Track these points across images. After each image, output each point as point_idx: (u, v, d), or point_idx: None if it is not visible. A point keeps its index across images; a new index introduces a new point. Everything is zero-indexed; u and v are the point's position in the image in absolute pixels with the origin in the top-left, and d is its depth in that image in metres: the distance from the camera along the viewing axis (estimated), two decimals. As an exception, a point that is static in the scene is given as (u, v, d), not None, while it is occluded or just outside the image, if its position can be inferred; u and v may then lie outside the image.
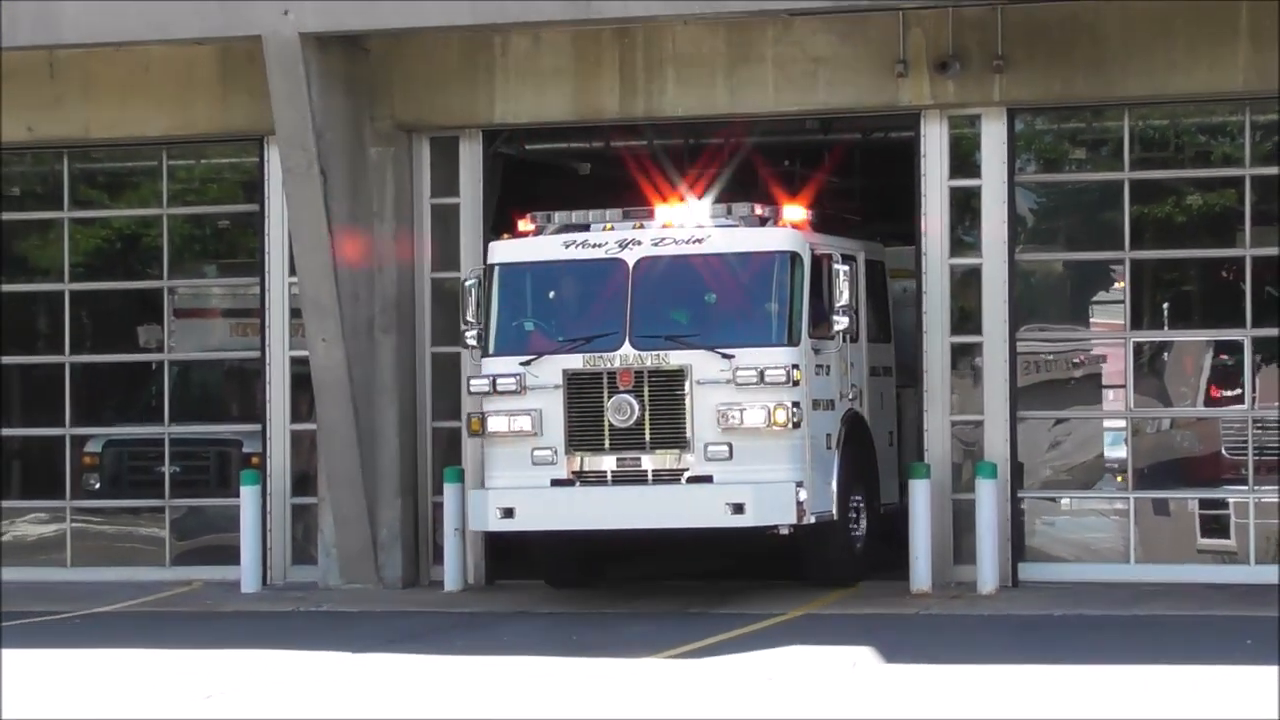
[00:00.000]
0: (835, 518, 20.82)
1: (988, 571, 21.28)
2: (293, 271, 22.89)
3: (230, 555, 23.23)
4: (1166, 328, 22.31)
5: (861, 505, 21.52)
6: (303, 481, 23.47)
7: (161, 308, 24.28)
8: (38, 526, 24.53)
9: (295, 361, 23.29)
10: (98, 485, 24.37)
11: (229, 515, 23.38)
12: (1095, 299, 22.76)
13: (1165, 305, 22.35)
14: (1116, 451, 22.27)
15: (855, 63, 21.96)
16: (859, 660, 17.78)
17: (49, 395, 24.29)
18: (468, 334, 21.01)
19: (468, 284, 21.07)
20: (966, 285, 22.07)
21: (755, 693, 16.56)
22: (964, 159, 22.00)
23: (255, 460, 23.57)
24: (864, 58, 21.93)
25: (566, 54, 22.51)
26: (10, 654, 19.12)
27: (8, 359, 24.60)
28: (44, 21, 21.81)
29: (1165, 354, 22.47)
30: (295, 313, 23.09)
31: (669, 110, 22.51)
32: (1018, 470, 21.96)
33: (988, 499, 21.26)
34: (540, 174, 24.36)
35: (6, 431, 24.73)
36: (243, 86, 22.72)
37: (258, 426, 23.61)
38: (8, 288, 24.64)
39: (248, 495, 22.99)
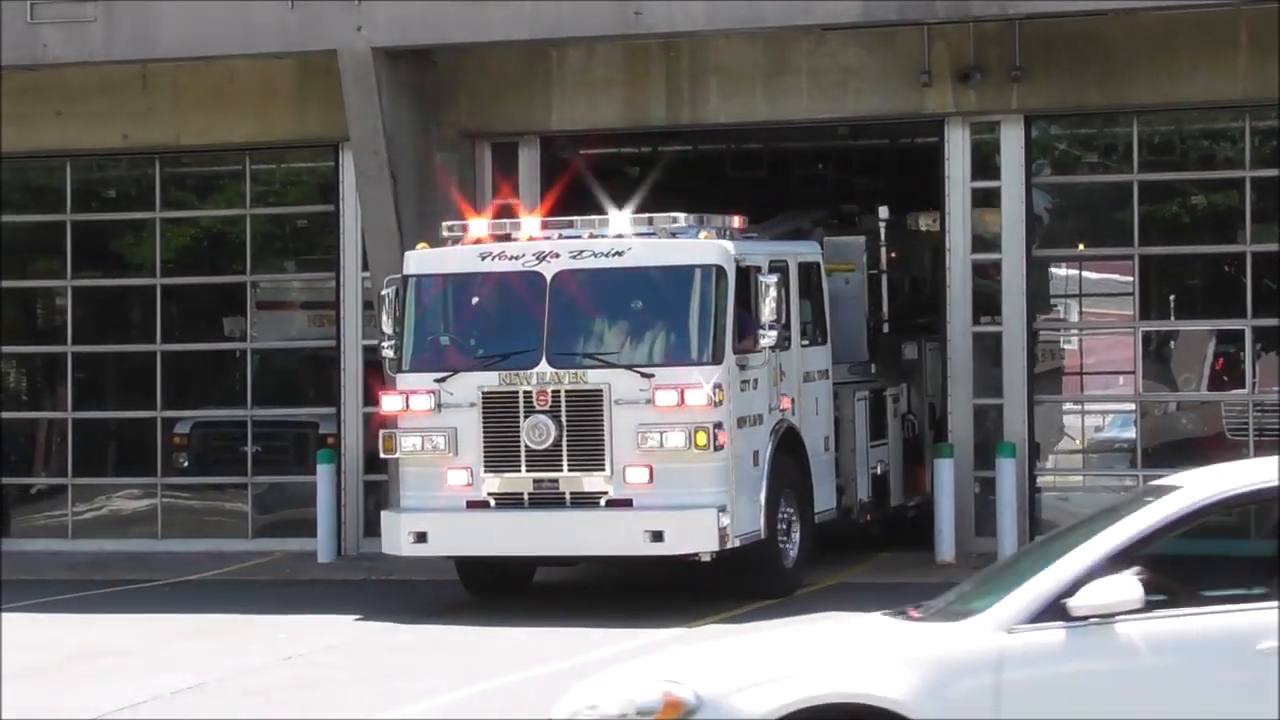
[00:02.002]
0: (763, 537, 18.74)
1: (1007, 543, 21.27)
2: (365, 267, 22.91)
3: (307, 528, 23.26)
4: (1173, 318, 22.29)
5: (794, 518, 19.39)
6: (374, 460, 23.47)
7: (244, 300, 24.29)
8: (131, 501, 24.64)
9: (367, 350, 23.29)
10: (186, 463, 24.43)
11: (306, 491, 23.45)
12: (1104, 291, 22.79)
13: (1171, 297, 22.33)
14: (1125, 433, 22.29)
15: (883, 73, 21.96)
16: (887, 625, 17.79)
17: (142, 381, 24.41)
18: (384, 347, 19.10)
19: (383, 294, 19.10)
20: (986, 279, 22.06)
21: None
22: (984, 162, 21.99)
23: (330, 441, 23.61)
24: (891, 69, 21.93)
25: (618, 65, 22.52)
26: (108, 617, 19.30)
27: (105, 348, 24.76)
28: (140, 37, 21.89)
29: (1171, 342, 22.46)
30: (367, 305, 23.12)
31: (712, 118, 22.48)
32: (1034, 449, 21.94)
33: (1007, 476, 21.25)
34: (594, 177, 24.29)
35: (103, 414, 24.89)
36: (319, 97, 22.74)
37: (333, 410, 23.66)
38: (106, 282, 24.81)
39: (323, 473, 23.07)
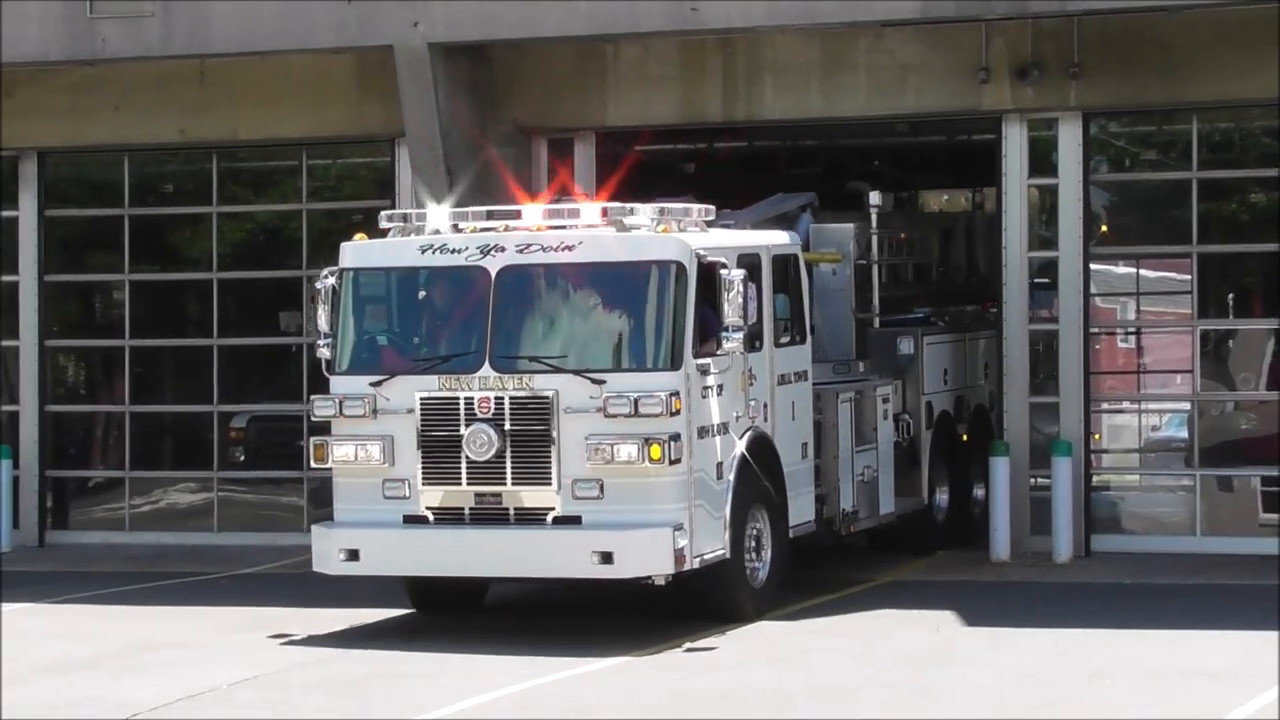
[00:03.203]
0: (728, 556, 17.31)
1: (1062, 542, 21.22)
2: (421, 262, 22.98)
3: (363, 522, 23.32)
4: (1231, 316, 22.18)
5: (764, 533, 17.93)
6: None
7: (300, 295, 24.33)
8: (188, 495, 24.74)
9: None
10: (242, 457, 24.49)
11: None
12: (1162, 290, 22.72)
13: (1230, 296, 22.22)
14: (1182, 432, 22.20)
15: (941, 70, 21.93)
16: (943, 624, 17.80)
17: (199, 374, 24.51)
18: (320, 347, 17.69)
19: (319, 288, 17.71)
20: (1044, 277, 21.96)
21: (849, 653, 16.67)
22: (1042, 159, 21.93)
23: (385, 435, 23.60)
24: (949, 65, 21.89)
25: (673, 61, 22.53)
26: (165, 610, 19.38)
27: (162, 342, 24.88)
28: (197, 33, 22.02)
29: (1230, 341, 22.36)
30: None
31: (768, 114, 22.46)
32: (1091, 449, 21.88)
33: (1063, 475, 21.19)
34: (649, 173, 24.27)
35: (160, 408, 24.99)
36: (375, 92, 22.78)
37: (388, 404, 23.66)
38: (163, 276, 24.92)
39: (378, 468, 23.08)
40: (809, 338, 19.02)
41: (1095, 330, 22.02)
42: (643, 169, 23.82)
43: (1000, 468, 21.29)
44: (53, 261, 24.59)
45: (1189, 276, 21.92)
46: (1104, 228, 22.30)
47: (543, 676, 15.63)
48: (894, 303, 21.89)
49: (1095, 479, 21.97)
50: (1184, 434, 22.09)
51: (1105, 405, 22.38)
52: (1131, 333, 22.78)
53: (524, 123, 22.90)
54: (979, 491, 22.37)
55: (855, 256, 20.80)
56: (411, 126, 21.91)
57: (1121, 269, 22.76)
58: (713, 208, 18.23)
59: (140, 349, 24.75)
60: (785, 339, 18.61)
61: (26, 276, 24.49)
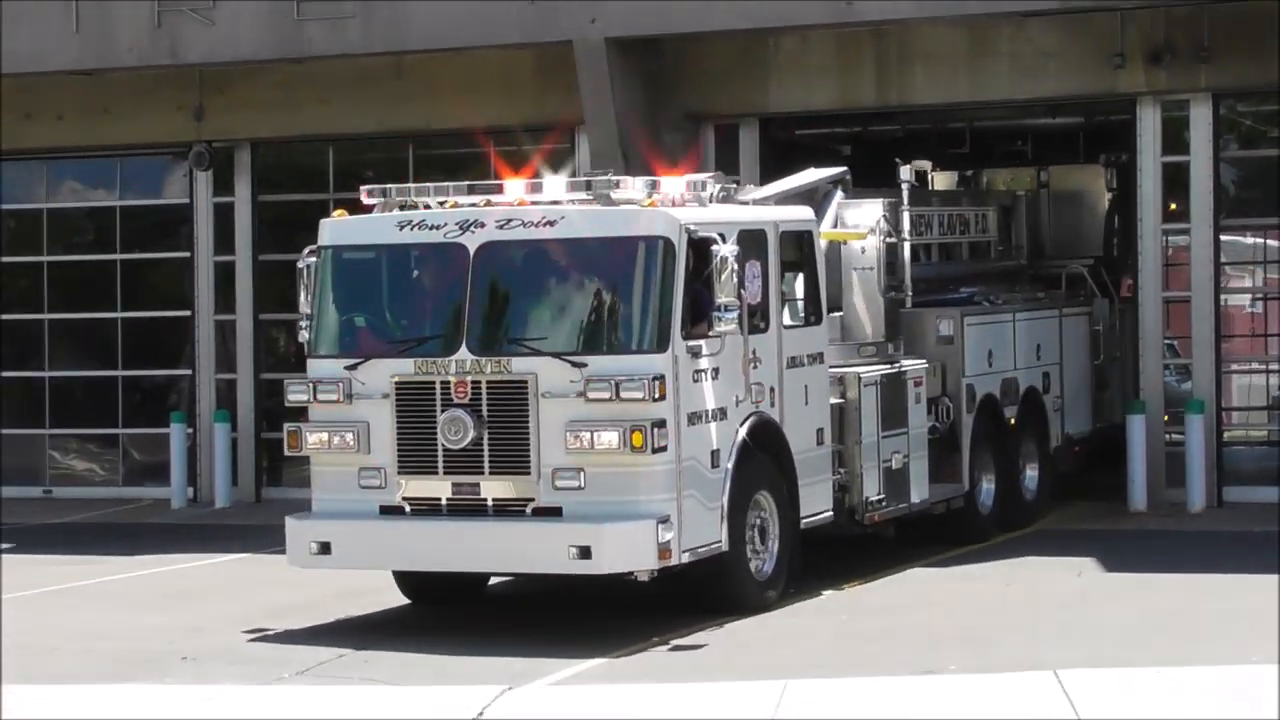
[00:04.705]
0: (725, 549, 15.66)
1: (1196, 493, 21.66)
2: (602, 242, 23.54)
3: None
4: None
5: (769, 524, 16.32)
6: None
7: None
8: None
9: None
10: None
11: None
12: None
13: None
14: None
15: (1079, 56, 22.33)
16: (1084, 569, 18.19)
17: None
18: (301, 329, 16.46)
19: (301, 267, 16.44)
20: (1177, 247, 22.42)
21: (996, 596, 17.14)
22: (1175, 138, 22.29)
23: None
24: (1087, 51, 22.28)
25: (830, 51, 22.99)
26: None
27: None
28: (394, 31, 22.72)
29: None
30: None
31: (919, 99, 22.94)
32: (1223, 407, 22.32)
33: (1195, 431, 21.65)
34: (807, 156, 24.77)
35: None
36: (556, 84, 23.27)
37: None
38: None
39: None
40: (824, 318, 17.33)
41: (1225, 298, 22.41)
42: (802, 152, 24.39)
43: (1137, 424, 21.77)
44: (265, 242, 25.37)
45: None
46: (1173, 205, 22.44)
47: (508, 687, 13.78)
48: (942, 282, 20.23)
49: (1226, 434, 22.47)
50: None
51: (1235, 366, 22.82)
52: (1259, 298, 23.21)
53: (692, 110, 23.40)
54: (1031, 474, 20.80)
55: (884, 234, 19.04)
56: (590, 115, 22.45)
57: (1249, 239, 23.16)
58: (708, 179, 16.53)
59: (342, 321, 25.60)
60: (797, 319, 17.03)
61: (242, 256, 25.39)
